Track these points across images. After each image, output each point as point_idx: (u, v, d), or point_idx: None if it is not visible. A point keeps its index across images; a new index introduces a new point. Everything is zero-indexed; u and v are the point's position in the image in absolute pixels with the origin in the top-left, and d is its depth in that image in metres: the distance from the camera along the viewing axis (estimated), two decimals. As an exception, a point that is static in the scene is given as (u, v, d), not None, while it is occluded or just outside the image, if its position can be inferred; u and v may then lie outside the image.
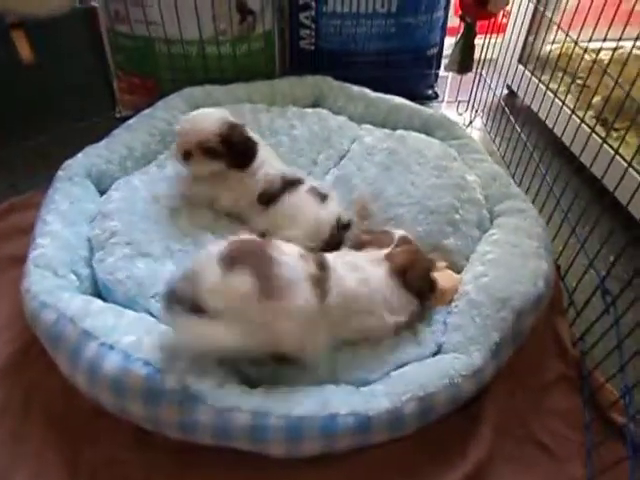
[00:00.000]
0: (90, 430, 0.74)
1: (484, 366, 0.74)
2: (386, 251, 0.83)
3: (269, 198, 0.96)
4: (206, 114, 0.98)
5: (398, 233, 0.88)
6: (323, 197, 0.96)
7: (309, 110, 1.26)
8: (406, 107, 1.25)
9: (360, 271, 0.78)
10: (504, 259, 0.87)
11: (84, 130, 1.32)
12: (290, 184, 0.96)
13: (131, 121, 1.18)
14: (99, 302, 0.80)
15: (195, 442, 0.68)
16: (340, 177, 1.08)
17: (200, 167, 0.96)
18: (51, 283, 0.80)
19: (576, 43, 1.00)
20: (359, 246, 0.87)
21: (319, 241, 0.91)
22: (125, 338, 0.71)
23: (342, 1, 1.36)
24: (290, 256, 0.72)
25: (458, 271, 0.91)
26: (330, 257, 0.78)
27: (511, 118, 1.32)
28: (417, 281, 0.81)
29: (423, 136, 1.14)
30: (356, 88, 1.30)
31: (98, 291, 0.87)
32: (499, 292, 0.81)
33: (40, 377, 0.79)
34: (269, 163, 0.99)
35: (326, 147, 1.16)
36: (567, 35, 1.03)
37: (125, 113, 1.45)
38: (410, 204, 0.97)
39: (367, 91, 1.30)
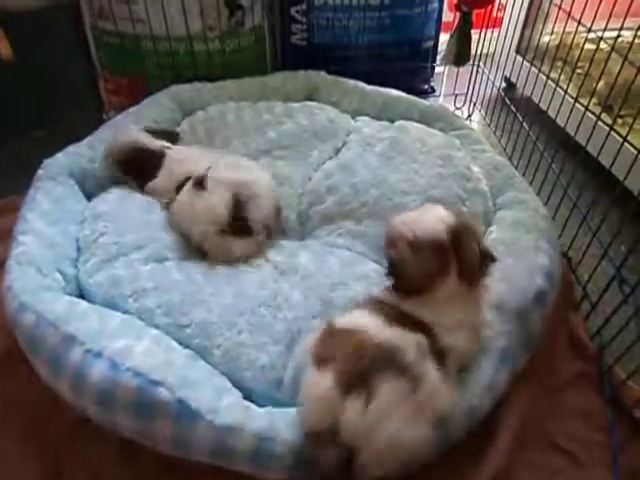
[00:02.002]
0: (72, 443, 0.70)
1: (497, 376, 0.68)
2: None
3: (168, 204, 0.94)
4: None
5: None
6: (202, 185, 0.88)
7: (296, 104, 1.21)
8: (403, 99, 1.21)
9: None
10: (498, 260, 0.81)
11: (68, 133, 1.26)
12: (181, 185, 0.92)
13: (116, 118, 1.13)
14: (84, 303, 0.76)
15: (190, 460, 0.63)
16: (340, 165, 1.02)
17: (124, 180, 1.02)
18: (34, 282, 0.76)
19: (579, 23, 0.96)
20: None
21: (221, 225, 0.85)
22: (113, 344, 0.67)
23: (334, -7, 1.32)
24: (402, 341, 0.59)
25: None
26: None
27: (512, 109, 1.28)
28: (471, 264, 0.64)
29: (424, 126, 1.09)
30: (351, 82, 1.26)
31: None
32: (493, 297, 0.73)
33: (19, 387, 0.75)
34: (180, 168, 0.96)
35: (317, 141, 1.10)
36: (569, 17, 0.99)
37: (112, 115, 1.40)
38: (416, 192, 0.92)
39: (362, 85, 1.25)
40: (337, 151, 1.09)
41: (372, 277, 0.81)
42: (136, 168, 0.99)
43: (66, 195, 0.94)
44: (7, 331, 0.75)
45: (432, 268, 0.63)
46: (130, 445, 0.66)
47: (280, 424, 0.62)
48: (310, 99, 1.26)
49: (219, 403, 0.63)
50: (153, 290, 0.78)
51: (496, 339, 0.71)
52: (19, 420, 0.72)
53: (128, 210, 0.92)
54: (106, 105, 1.44)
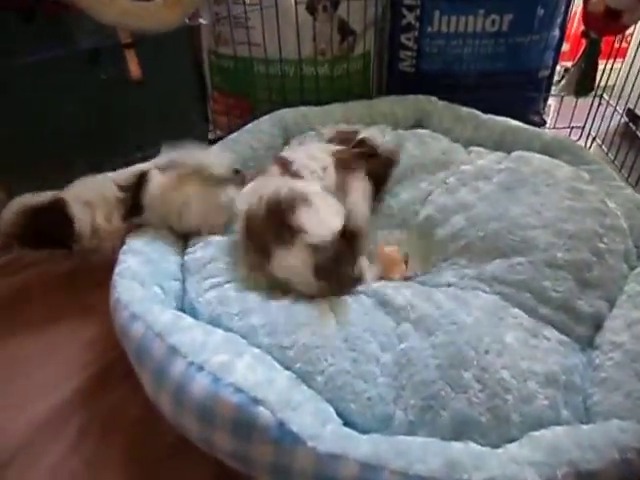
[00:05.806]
0: (170, 466, 0.68)
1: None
2: None
3: None
4: None
5: None
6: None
7: (406, 132, 1.17)
8: (523, 129, 1.13)
9: None
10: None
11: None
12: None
13: (212, 148, 1.13)
14: (189, 319, 0.74)
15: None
16: (451, 197, 0.97)
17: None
18: (140, 294, 0.77)
19: None
20: None
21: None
22: (215, 358, 0.65)
23: (449, 21, 1.29)
24: None
25: (597, 323, 0.75)
26: None
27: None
28: None
29: (547, 157, 1.01)
30: (464, 109, 1.21)
31: (182, 307, 0.83)
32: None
33: (121, 403, 0.75)
34: None
35: (427, 174, 1.06)
36: None
37: (219, 134, 1.45)
38: (543, 227, 0.83)
39: (477, 112, 1.19)
40: (446, 182, 1.03)
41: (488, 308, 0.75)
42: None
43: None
44: (107, 347, 0.76)
45: None
46: (226, 471, 0.62)
47: (388, 451, 0.57)
48: (419, 125, 1.22)
49: (322, 429, 0.59)
50: (260, 309, 0.76)
51: None
52: (120, 439, 0.72)
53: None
54: (212, 125, 1.49)
